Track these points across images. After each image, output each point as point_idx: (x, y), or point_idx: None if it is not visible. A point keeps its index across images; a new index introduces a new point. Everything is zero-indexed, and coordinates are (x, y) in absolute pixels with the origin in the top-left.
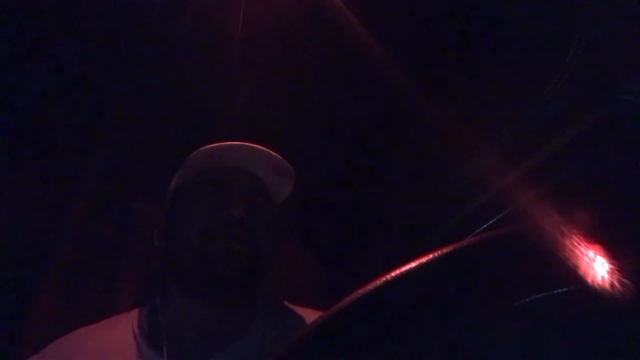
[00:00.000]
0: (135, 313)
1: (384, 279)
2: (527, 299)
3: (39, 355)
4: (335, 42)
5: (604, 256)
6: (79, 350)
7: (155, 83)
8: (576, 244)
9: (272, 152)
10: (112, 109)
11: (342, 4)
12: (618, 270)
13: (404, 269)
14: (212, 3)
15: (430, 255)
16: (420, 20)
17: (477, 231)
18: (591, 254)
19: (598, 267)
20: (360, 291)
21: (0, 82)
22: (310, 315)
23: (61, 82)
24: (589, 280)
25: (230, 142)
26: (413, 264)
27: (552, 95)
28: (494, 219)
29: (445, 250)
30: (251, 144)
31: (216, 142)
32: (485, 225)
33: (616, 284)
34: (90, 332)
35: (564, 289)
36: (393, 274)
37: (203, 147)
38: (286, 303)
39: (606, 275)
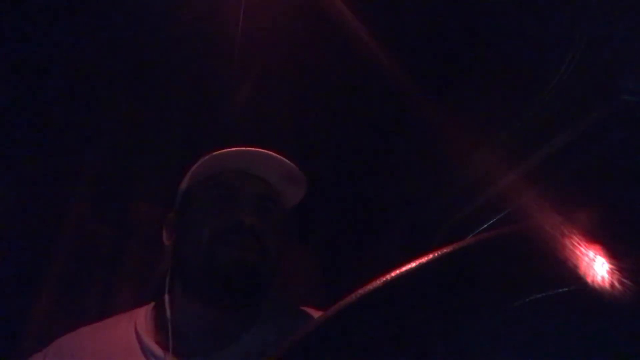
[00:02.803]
0: (138, 312)
1: (384, 279)
2: (527, 299)
3: (41, 354)
4: (335, 42)
5: (604, 256)
6: (81, 348)
7: (155, 83)
8: (576, 244)
9: (284, 159)
10: (113, 108)
11: (342, 4)
12: (618, 270)
13: (404, 268)
14: (212, 3)
15: (431, 255)
16: (421, 20)
17: (477, 231)
18: (591, 254)
19: (598, 267)
20: (361, 291)
21: (0, 82)
22: (311, 315)
23: (61, 81)
24: (589, 280)
25: (243, 147)
26: (413, 264)
27: (552, 95)
28: (494, 219)
29: (445, 250)
30: (264, 150)
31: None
32: (485, 225)
33: (616, 284)
34: (93, 331)
35: (564, 289)
36: (393, 274)
37: (216, 151)
38: (288, 302)
39: (606, 275)
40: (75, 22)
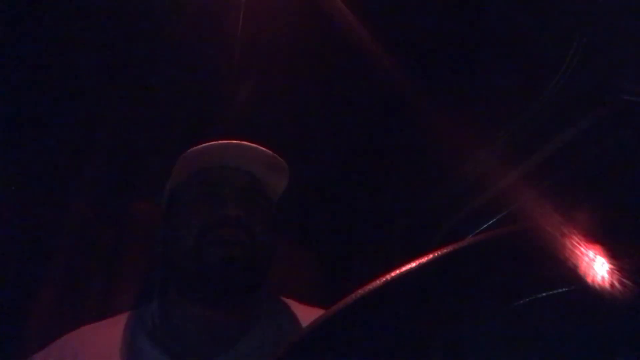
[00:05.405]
0: (137, 313)
1: (384, 279)
2: (527, 299)
3: (43, 353)
4: (335, 41)
5: (604, 256)
6: (82, 348)
7: (155, 83)
8: (576, 244)
9: (264, 149)
10: (112, 108)
11: (342, 3)
12: (618, 270)
13: (404, 269)
14: (212, 3)
15: (431, 255)
16: (421, 20)
17: (477, 231)
18: (591, 254)
19: (598, 267)
20: (361, 291)
21: (0, 83)
22: (312, 314)
23: (61, 82)
24: (589, 280)
25: (220, 141)
26: (413, 264)
27: (552, 95)
28: (494, 219)
29: (445, 250)
30: (241, 142)
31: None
32: (485, 225)
33: (616, 284)
34: (94, 331)
35: (564, 289)
36: (393, 274)
37: (193, 148)
38: (288, 301)
39: (606, 275)
40: (74, 21)
